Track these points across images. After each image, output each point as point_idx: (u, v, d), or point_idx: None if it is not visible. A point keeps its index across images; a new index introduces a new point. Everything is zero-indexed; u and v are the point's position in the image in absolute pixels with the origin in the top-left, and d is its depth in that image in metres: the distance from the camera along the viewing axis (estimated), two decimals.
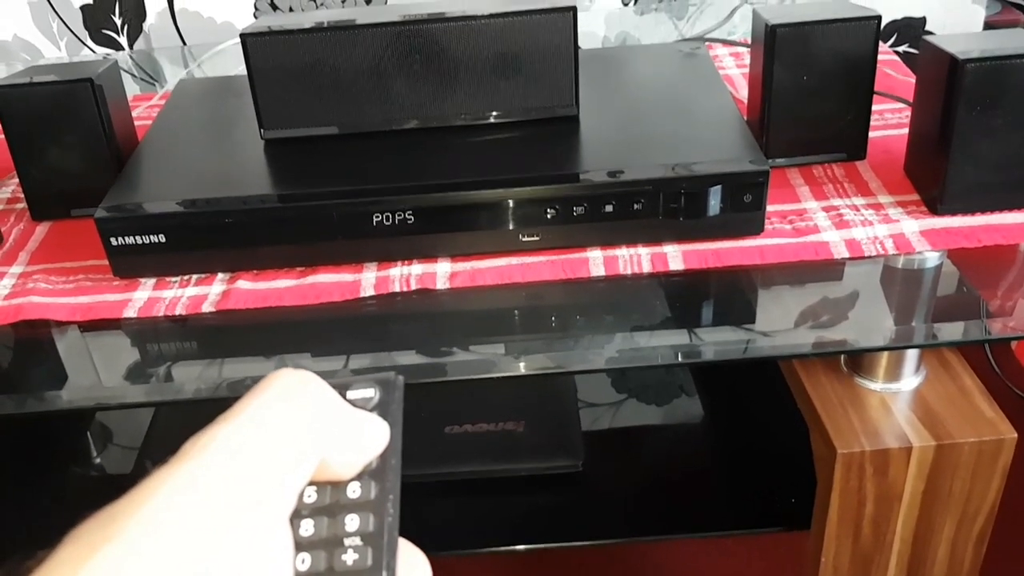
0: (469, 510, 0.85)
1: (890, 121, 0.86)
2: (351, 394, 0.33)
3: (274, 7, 1.24)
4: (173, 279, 0.71)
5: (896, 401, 0.69)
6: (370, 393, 0.33)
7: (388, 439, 0.31)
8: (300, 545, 0.29)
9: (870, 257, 0.68)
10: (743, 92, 0.92)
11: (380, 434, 0.31)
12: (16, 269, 0.74)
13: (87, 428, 0.98)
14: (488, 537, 0.83)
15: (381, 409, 0.32)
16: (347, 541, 0.29)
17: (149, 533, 0.24)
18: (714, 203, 0.68)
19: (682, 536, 0.81)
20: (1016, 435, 0.66)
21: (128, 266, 0.70)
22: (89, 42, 1.27)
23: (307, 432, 0.29)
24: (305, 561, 0.28)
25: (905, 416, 0.67)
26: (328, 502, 0.30)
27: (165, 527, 0.25)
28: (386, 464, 0.31)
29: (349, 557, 0.29)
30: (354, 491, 0.30)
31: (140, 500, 0.25)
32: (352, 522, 0.29)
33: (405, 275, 0.69)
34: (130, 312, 0.68)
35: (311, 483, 0.30)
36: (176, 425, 0.93)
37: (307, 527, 0.29)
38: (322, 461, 0.29)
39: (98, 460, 0.96)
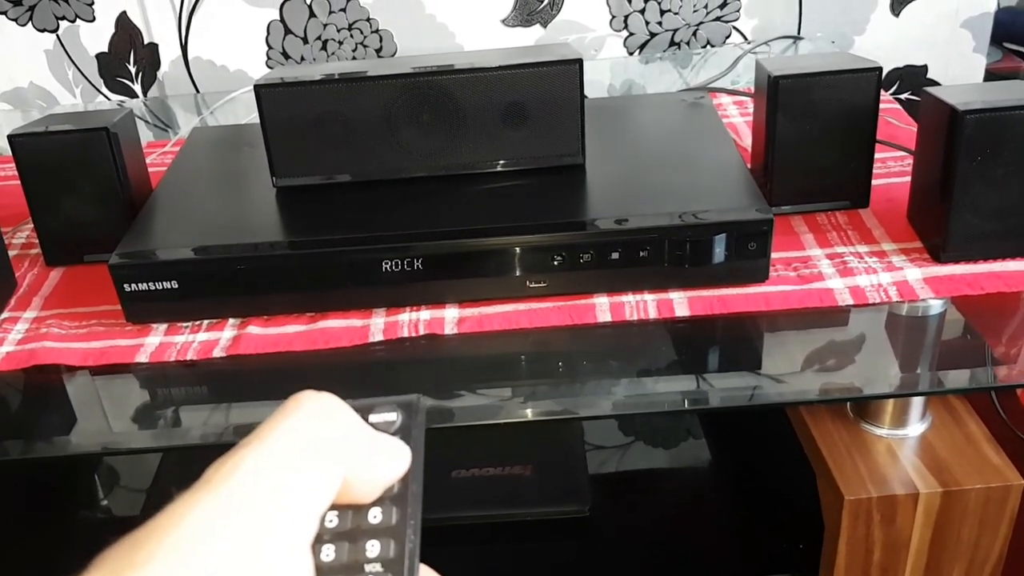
0: (475, 555, 0.85)
1: (892, 169, 0.87)
2: (373, 417, 0.32)
3: (286, 56, 1.27)
4: (185, 324, 0.72)
5: (903, 447, 0.69)
6: (392, 417, 0.33)
7: (409, 463, 0.31)
8: (321, 570, 0.29)
9: (874, 304, 0.68)
10: (747, 140, 0.93)
11: (402, 458, 0.31)
12: (30, 314, 0.75)
13: (95, 471, 0.98)
14: None
15: (403, 433, 0.32)
16: (367, 567, 0.29)
17: (177, 561, 0.24)
18: (719, 251, 0.69)
19: None
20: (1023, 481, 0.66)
21: (141, 312, 0.71)
22: (104, 89, 1.30)
23: (330, 456, 0.29)
24: None
25: (912, 463, 0.67)
26: (349, 527, 0.30)
27: (193, 555, 0.25)
28: (407, 489, 0.31)
29: None
30: (375, 516, 0.30)
31: (167, 527, 0.25)
32: (373, 548, 0.29)
33: (414, 320, 0.70)
34: (142, 357, 0.69)
35: (332, 507, 0.30)
36: (184, 467, 0.93)
37: (328, 552, 0.29)
38: (343, 484, 0.29)
39: (105, 502, 0.97)
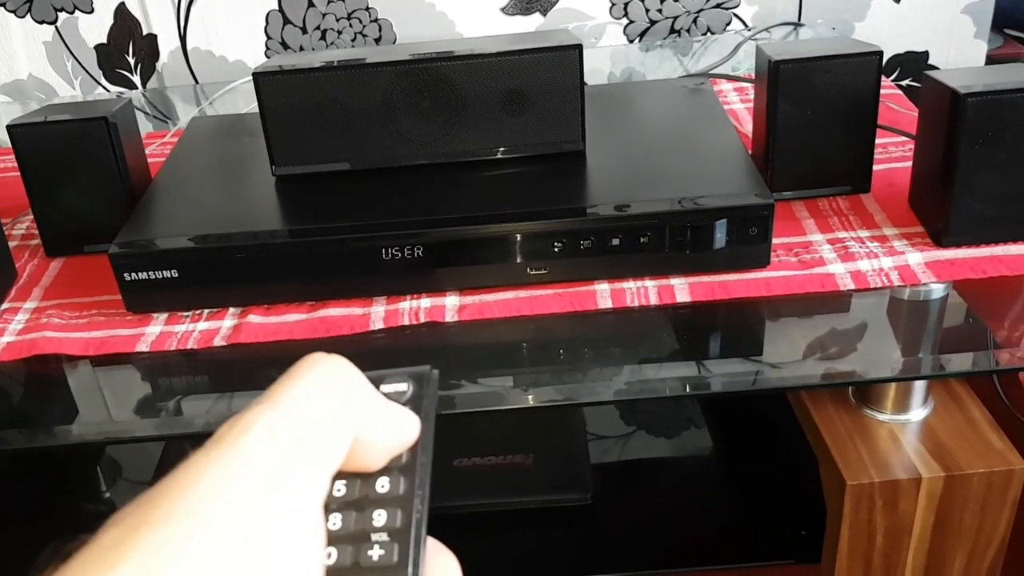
0: (477, 544, 0.85)
1: (894, 154, 0.86)
2: (384, 388, 0.32)
3: (285, 46, 1.26)
4: (185, 314, 0.71)
5: (905, 432, 0.69)
6: (403, 387, 0.33)
7: (418, 433, 0.31)
8: (327, 539, 0.29)
9: (876, 289, 0.68)
10: (748, 126, 0.93)
11: (411, 426, 0.31)
12: (30, 304, 0.75)
13: (98, 462, 0.98)
14: (496, 572, 0.83)
15: (414, 403, 0.32)
16: (374, 536, 0.29)
17: (193, 519, 0.24)
18: (720, 236, 0.68)
19: (691, 569, 0.81)
20: None
21: (141, 301, 0.71)
22: (103, 81, 1.30)
23: (341, 419, 0.29)
24: (332, 555, 0.28)
25: (914, 447, 0.67)
26: (357, 496, 0.30)
27: (209, 513, 0.25)
28: (416, 459, 0.31)
29: (375, 552, 0.28)
30: (383, 486, 0.30)
31: (183, 485, 0.25)
32: (380, 517, 0.29)
33: (414, 308, 0.70)
34: (142, 347, 0.69)
35: (340, 476, 0.30)
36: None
37: (335, 520, 0.29)
38: (352, 450, 0.29)
39: (108, 494, 0.97)
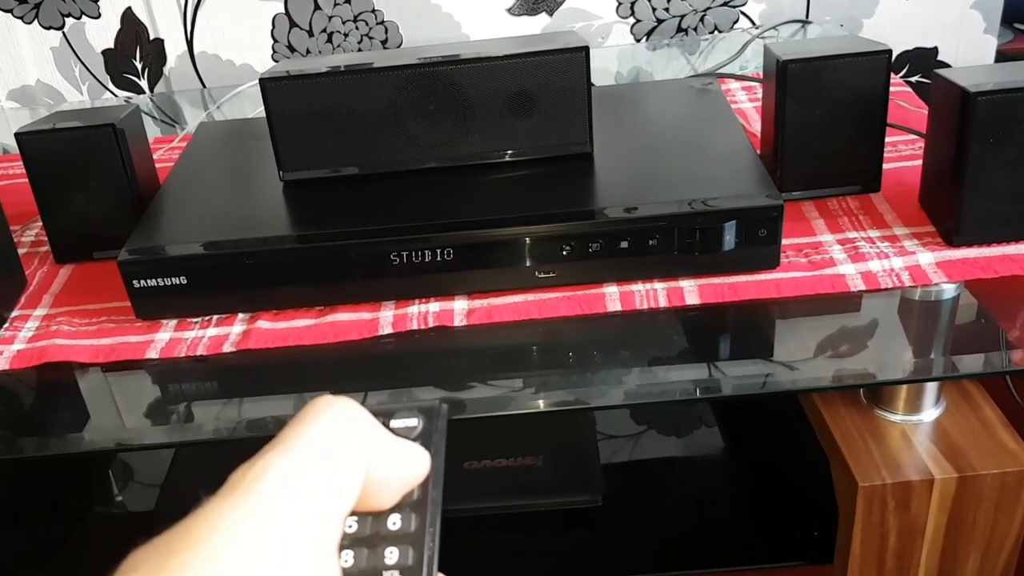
0: (487, 547, 0.85)
1: (904, 153, 0.86)
2: (394, 423, 0.33)
3: (292, 50, 1.26)
4: (194, 320, 0.72)
5: (917, 433, 0.68)
6: (413, 422, 0.33)
7: (429, 469, 0.32)
8: None
9: (886, 289, 0.68)
10: (756, 126, 0.93)
11: (422, 463, 0.32)
12: (40, 312, 0.75)
13: (109, 466, 0.99)
14: (507, 574, 0.83)
15: (423, 439, 0.32)
16: (386, 574, 0.29)
17: (210, 567, 0.25)
18: (729, 238, 0.68)
19: (703, 571, 0.81)
20: None
21: (150, 308, 0.71)
22: (111, 86, 1.30)
23: (354, 460, 0.29)
24: None
25: (926, 448, 0.67)
26: (368, 533, 0.30)
27: (225, 561, 0.25)
28: (427, 495, 0.31)
29: None
30: (394, 523, 0.30)
31: (199, 533, 0.25)
32: (392, 555, 0.29)
33: (423, 313, 0.70)
34: (152, 353, 0.69)
35: (352, 513, 0.30)
36: (199, 461, 0.93)
37: (347, 558, 0.29)
38: (364, 490, 0.30)
39: (120, 498, 0.97)
